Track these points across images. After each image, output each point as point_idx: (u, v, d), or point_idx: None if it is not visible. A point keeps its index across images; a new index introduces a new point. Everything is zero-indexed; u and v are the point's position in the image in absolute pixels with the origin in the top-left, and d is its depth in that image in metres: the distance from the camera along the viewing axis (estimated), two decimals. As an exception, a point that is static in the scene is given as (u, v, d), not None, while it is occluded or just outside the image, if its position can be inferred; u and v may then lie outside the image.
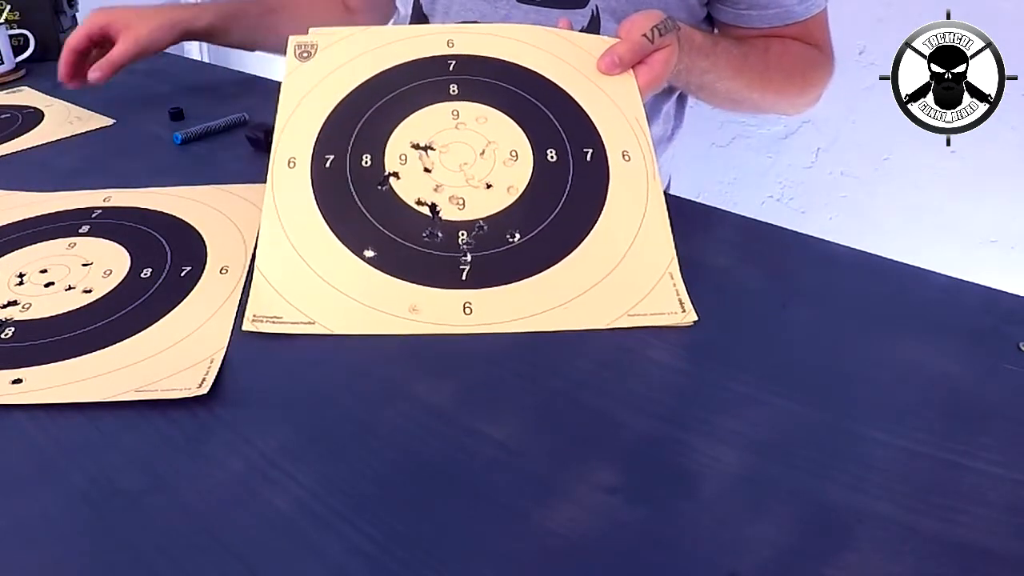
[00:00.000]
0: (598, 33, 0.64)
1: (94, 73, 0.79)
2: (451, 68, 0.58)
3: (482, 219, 0.52)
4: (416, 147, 0.55)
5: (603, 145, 0.55)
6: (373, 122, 0.56)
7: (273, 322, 0.46)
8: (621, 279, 0.49)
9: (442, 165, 0.54)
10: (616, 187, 0.53)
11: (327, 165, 0.53)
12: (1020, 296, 0.49)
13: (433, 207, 0.52)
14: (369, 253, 0.50)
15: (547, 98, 0.57)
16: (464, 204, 0.52)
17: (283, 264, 0.49)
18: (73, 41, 0.80)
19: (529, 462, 0.37)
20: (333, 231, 0.50)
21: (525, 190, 0.53)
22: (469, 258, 0.50)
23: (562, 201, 0.52)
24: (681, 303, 0.48)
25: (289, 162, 0.53)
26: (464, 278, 0.49)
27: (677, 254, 0.51)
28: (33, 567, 0.32)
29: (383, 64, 0.58)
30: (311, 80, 0.57)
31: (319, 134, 0.55)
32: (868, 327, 0.47)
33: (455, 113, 0.56)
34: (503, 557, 0.32)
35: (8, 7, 1.07)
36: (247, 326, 0.46)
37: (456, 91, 0.57)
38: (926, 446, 0.38)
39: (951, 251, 1.41)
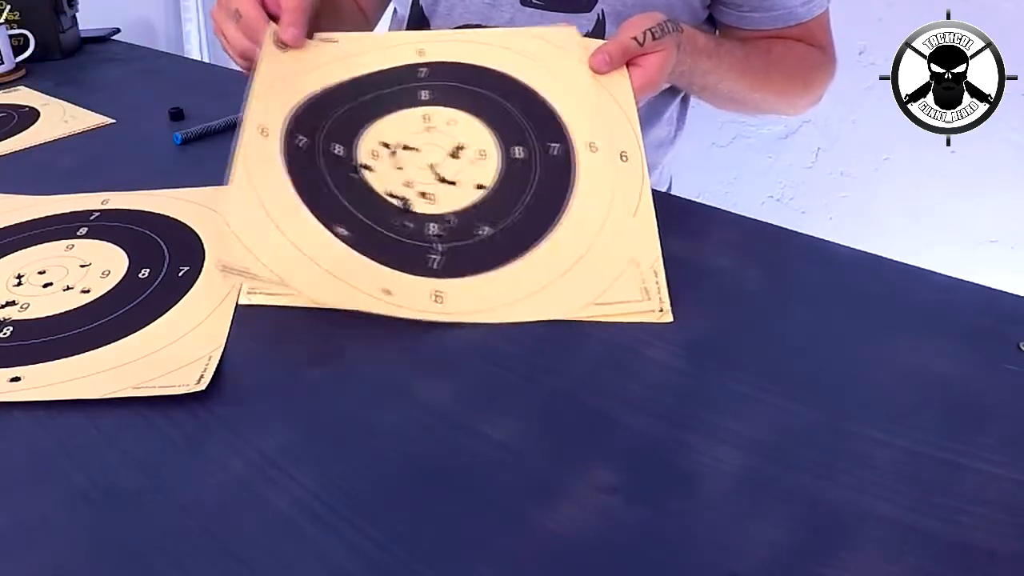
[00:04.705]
0: (603, 38, 0.64)
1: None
2: (421, 76, 0.59)
3: (451, 213, 0.52)
4: (386, 146, 0.55)
5: (570, 140, 0.55)
6: (345, 118, 0.56)
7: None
8: (589, 269, 0.49)
9: (412, 164, 0.55)
10: (585, 179, 0.53)
11: (299, 145, 0.53)
12: (1020, 296, 0.49)
13: (404, 200, 0.53)
14: (342, 231, 0.50)
15: (514, 97, 0.57)
16: (435, 199, 0.53)
17: (255, 225, 0.48)
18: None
19: (529, 462, 0.37)
20: (305, 203, 0.50)
21: (493, 186, 0.54)
22: (440, 248, 0.50)
23: (528, 195, 0.53)
24: (647, 292, 0.48)
25: (261, 130, 0.53)
26: (435, 267, 0.49)
27: (680, 255, 0.51)
28: (33, 567, 0.32)
29: (355, 72, 0.59)
30: (287, 68, 0.58)
31: (292, 115, 0.55)
32: (868, 327, 0.47)
33: (426, 117, 0.57)
34: (503, 557, 0.32)
35: (8, 7, 1.07)
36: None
37: (427, 97, 0.58)
38: (926, 446, 0.38)
39: (951, 251, 1.41)
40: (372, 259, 0.49)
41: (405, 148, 0.55)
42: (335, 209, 0.51)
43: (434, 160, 0.55)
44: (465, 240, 0.51)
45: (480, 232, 0.51)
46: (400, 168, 0.54)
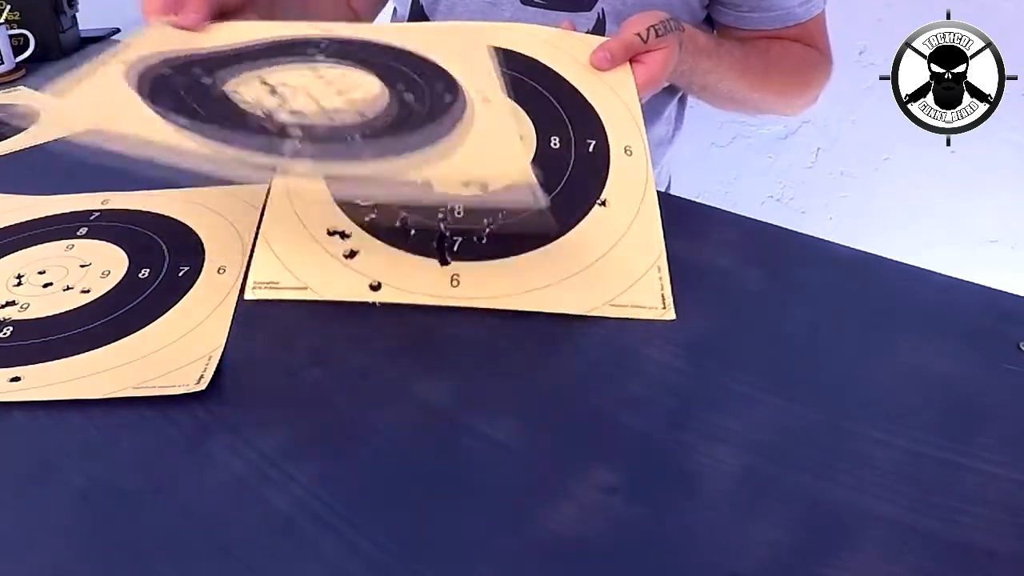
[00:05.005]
0: (603, 36, 0.65)
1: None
2: (321, 46, 0.57)
3: (321, 119, 0.48)
4: (265, 83, 0.51)
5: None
6: (223, 59, 0.53)
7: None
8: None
9: (290, 97, 0.50)
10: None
11: (160, 73, 0.50)
12: (1020, 296, 0.49)
13: (268, 113, 0.48)
14: (180, 119, 0.45)
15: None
16: (305, 116, 0.48)
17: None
18: None
19: (529, 462, 0.37)
20: (145, 100, 0.47)
21: (375, 114, 0.49)
22: (297, 134, 0.46)
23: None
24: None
25: (119, 61, 0.50)
26: (289, 153, 0.45)
27: (680, 254, 0.51)
28: (33, 567, 0.32)
29: (249, 37, 0.57)
30: (173, 37, 0.55)
31: (163, 57, 0.52)
32: (868, 327, 0.47)
33: (314, 68, 0.54)
34: (503, 557, 0.32)
35: (8, 7, 1.07)
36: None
37: (321, 58, 0.55)
38: (926, 446, 0.38)
39: (951, 251, 1.41)
40: (213, 140, 0.44)
41: (285, 85, 0.51)
42: (179, 106, 0.46)
43: (316, 93, 0.51)
44: (333, 142, 0.47)
45: (352, 137, 0.47)
46: (274, 95, 0.50)
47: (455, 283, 0.48)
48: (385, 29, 0.60)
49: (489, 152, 0.48)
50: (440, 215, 0.51)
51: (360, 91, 0.51)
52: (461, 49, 0.58)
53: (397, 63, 0.55)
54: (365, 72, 0.54)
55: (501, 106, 0.52)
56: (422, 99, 0.51)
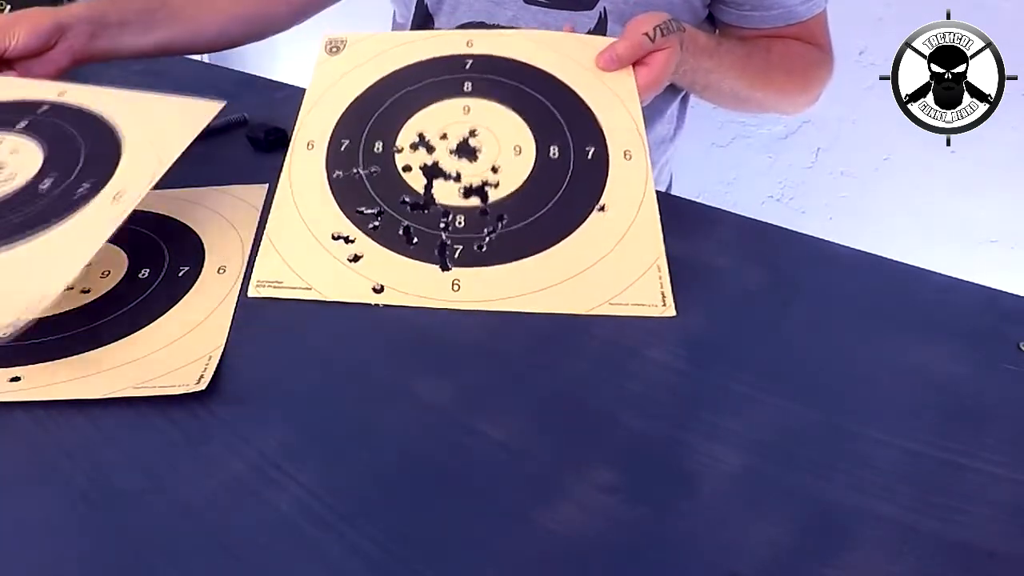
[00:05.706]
0: (604, 35, 0.65)
1: None
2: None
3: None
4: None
5: (606, 145, 0.55)
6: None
7: (275, 286, 0.49)
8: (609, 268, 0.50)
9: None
10: (614, 184, 0.53)
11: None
12: (1020, 296, 0.49)
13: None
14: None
15: (556, 97, 0.58)
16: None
17: (294, 239, 0.52)
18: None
19: (529, 462, 0.37)
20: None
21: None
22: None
23: (558, 195, 0.53)
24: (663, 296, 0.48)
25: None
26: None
27: (680, 254, 0.51)
28: (33, 567, 0.32)
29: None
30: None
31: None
32: (868, 327, 0.47)
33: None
34: (503, 557, 0.32)
35: (8, 7, 1.07)
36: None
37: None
38: (926, 446, 0.38)
39: (951, 251, 1.41)
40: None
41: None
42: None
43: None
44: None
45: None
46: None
47: (456, 287, 0.49)
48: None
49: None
50: (442, 224, 0.52)
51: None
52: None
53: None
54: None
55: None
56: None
